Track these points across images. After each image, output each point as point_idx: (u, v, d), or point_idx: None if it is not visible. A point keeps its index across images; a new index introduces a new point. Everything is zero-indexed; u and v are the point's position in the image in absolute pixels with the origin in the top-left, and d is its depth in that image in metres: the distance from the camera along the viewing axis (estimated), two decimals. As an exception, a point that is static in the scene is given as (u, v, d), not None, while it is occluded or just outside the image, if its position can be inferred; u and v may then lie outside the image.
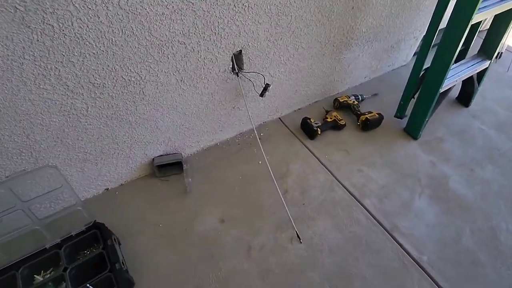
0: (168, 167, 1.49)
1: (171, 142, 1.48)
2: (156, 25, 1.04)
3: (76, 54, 0.96)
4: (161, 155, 1.49)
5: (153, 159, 1.47)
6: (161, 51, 1.12)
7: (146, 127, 1.33)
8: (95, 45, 0.97)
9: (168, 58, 1.15)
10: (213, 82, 1.36)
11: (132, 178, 1.49)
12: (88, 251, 1.20)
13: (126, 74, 1.10)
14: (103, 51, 1.00)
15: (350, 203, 1.40)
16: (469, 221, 1.35)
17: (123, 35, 1.00)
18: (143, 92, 1.20)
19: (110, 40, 0.99)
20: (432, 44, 1.42)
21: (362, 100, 1.89)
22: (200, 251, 1.24)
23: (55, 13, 0.85)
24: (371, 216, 1.36)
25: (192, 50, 1.19)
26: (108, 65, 1.04)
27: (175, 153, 1.52)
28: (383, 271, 1.19)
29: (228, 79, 1.40)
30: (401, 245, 1.26)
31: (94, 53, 0.99)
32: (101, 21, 0.93)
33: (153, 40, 1.07)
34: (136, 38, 1.03)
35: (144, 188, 1.46)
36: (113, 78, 1.09)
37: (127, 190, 1.46)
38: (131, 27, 0.99)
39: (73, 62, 0.97)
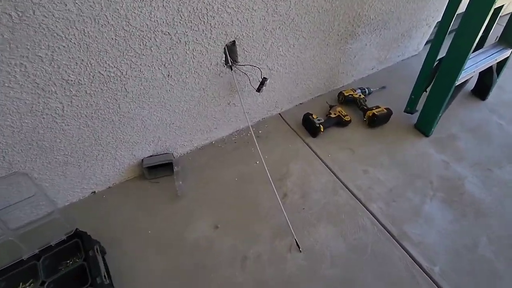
0: (158, 168, 1.39)
1: (161, 141, 1.37)
2: (135, 13, 0.92)
3: (43, 47, 0.85)
4: (151, 156, 1.39)
5: (142, 160, 1.37)
6: (142, 43, 1.00)
7: (132, 126, 1.22)
8: (65, 37, 0.86)
9: (152, 51, 1.04)
10: (204, 76, 1.24)
11: (120, 181, 1.40)
12: (71, 261, 1.12)
13: (104, 69, 0.99)
14: (74, 43, 0.89)
15: (355, 208, 1.30)
16: (486, 227, 1.24)
17: (96, 25, 0.88)
18: (126, 88, 1.09)
19: (82, 31, 0.87)
20: (448, 31, 1.28)
21: (369, 93, 1.79)
22: (191, 261, 1.16)
23: (11, 0, 0.74)
24: (377, 222, 1.26)
25: (178, 41, 1.07)
26: (82, 60, 0.93)
27: (166, 153, 1.42)
28: (390, 283, 1.10)
29: (221, 73, 1.28)
30: (410, 254, 1.17)
31: (64, 46, 0.88)
32: (69, 9, 0.82)
33: (132, 31, 0.95)
34: (112, 29, 0.92)
35: (133, 191, 1.38)
36: (90, 74, 0.98)
37: (115, 193, 1.37)
38: (105, 15, 0.88)
39: (40, 56, 0.86)
